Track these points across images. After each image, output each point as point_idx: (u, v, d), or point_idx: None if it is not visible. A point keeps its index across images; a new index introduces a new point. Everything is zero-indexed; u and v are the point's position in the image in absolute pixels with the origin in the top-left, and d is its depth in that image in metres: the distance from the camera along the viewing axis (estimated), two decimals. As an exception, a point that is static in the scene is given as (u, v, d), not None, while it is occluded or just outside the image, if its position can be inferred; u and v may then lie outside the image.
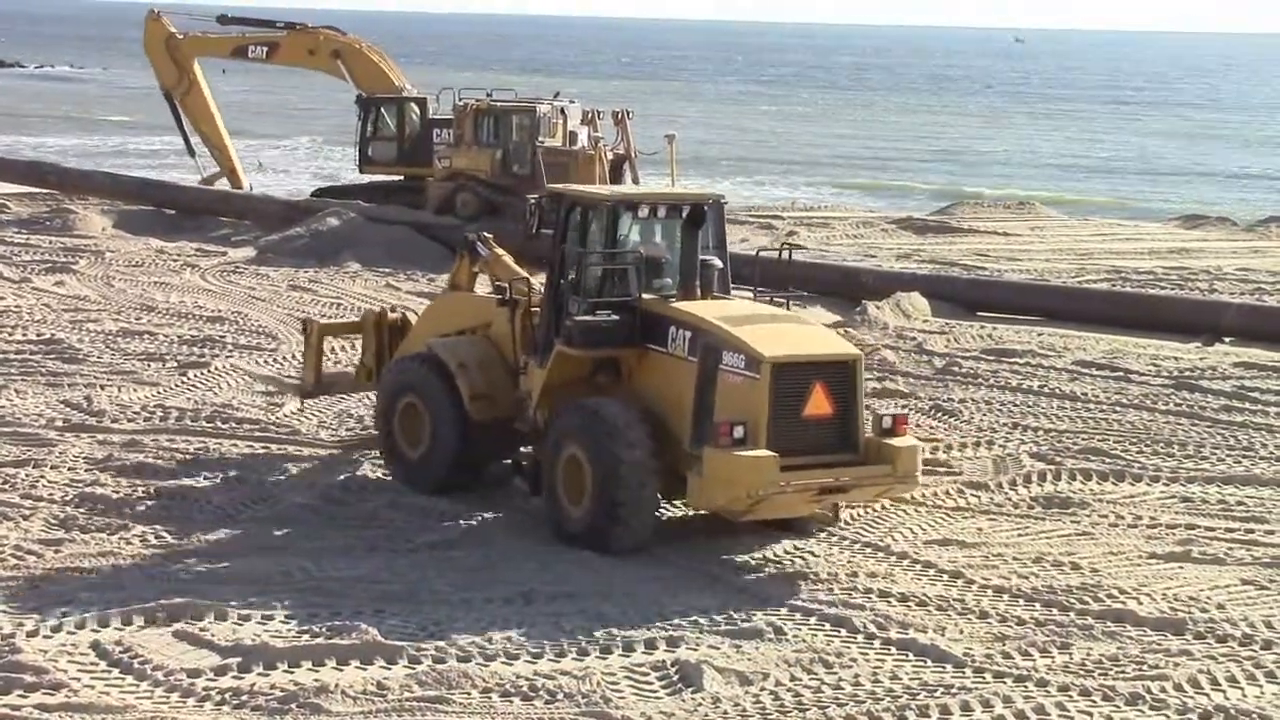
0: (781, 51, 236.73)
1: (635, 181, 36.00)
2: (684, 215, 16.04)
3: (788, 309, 16.46)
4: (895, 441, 15.24)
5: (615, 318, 15.72)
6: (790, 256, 16.79)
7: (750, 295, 16.76)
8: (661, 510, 16.38)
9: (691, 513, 16.38)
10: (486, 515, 16.39)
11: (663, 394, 15.49)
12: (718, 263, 16.11)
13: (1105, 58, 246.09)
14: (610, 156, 36.46)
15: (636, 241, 16.24)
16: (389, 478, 17.39)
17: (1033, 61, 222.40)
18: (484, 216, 34.19)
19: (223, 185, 42.08)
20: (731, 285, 16.43)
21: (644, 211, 16.12)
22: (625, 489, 15.00)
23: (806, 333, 15.77)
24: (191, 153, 42.90)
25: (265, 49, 41.79)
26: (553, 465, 15.60)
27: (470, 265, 18.27)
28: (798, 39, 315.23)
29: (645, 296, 15.86)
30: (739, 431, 14.59)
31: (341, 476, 17.58)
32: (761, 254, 17.33)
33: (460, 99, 37.68)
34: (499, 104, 37.47)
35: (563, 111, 37.44)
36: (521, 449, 16.68)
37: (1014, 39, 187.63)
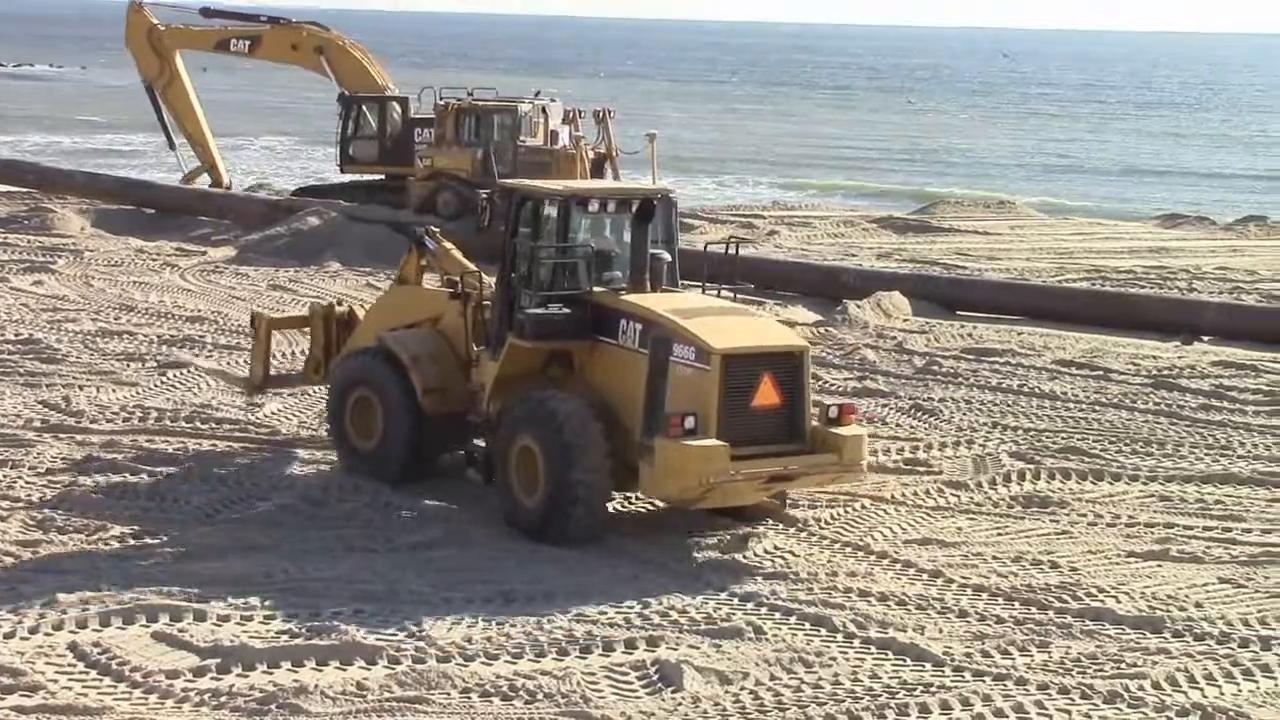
0: (776, 52, 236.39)
1: (616, 179, 35.96)
2: (634, 210, 16.29)
3: (734, 301, 16.73)
4: (841, 431, 15.58)
5: (567, 310, 16.01)
6: (736, 251, 17.07)
7: (699, 289, 16.98)
8: (623, 504, 16.46)
9: (661, 508, 16.41)
10: (466, 515, 16.36)
11: (614, 385, 15.75)
12: (667, 256, 16.43)
13: (1091, 58, 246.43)
14: (591, 155, 36.46)
15: (587, 236, 16.49)
16: (394, 487, 17.17)
17: (1015, 61, 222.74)
18: (465, 216, 34.14)
19: (204, 181, 42.02)
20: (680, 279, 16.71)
21: (594, 206, 16.41)
22: (578, 479, 15.21)
23: (755, 325, 16.14)
24: (171, 145, 42.74)
25: (248, 43, 41.67)
26: (506, 456, 15.81)
27: (419, 260, 18.38)
28: (793, 40, 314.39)
29: (596, 289, 16.13)
30: (690, 422, 14.86)
31: (321, 476, 17.56)
32: (709, 248, 17.57)
33: (441, 98, 37.64)
34: (480, 103, 37.44)
35: (544, 110, 37.43)
36: (474, 440, 16.79)
37: (1002, 54, 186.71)
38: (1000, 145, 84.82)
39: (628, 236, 16.42)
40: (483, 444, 16.63)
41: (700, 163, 66.15)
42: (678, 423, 14.84)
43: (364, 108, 39.63)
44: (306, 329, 19.66)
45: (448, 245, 18.09)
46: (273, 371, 19.95)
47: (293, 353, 22.61)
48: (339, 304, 19.79)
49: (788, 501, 16.62)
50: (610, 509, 16.18)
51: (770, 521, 16.36)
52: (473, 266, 17.53)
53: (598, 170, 36.35)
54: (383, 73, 41.13)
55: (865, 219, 43.06)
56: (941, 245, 38.44)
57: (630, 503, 16.84)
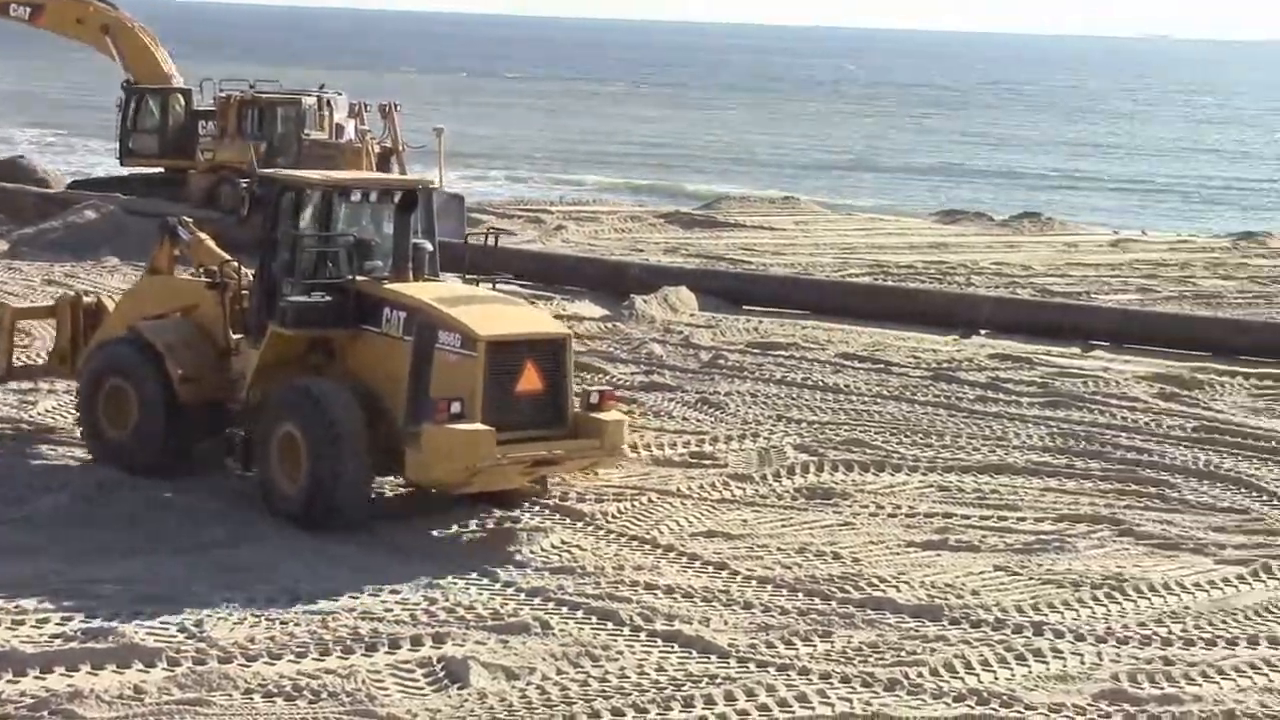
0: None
1: (402, 173, 35.72)
2: (396, 200, 16.58)
3: (493, 290, 17.07)
4: (602, 416, 16.04)
5: (329, 299, 16.22)
6: (496, 242, 17.58)
7: (459, 279, 17.34)
8: (420, 500, 16.37)
9: (429, 500, 16.34)
10: (248, 513, 16.09)
11: (377, 372, 15.97)
12: (428, 246, 16.78)
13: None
14: (378, 149, 36.17)
15: (349, 226, 16.68)
16: (148, 477, 16.97)
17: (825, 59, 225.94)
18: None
19: None
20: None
21: (356, 196, 16.71)
22: (340, 465, 15.37)
23: (518, 313, 16.53)
24: None
25: (29, 9, 40.28)
26: (267, 443, 15.87)
27: (171, 250, 18.27)
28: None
29: (358, 278, 16.33)
30: (456, 407, 15.12)
31: (97, 475, 17.12)
32: (468, 240, 18.07)
33: (221, 90, 37.00)
34: (263, 95, 36.88)
35: (329, 104, 37.03)
36: (231, 429, 16.72)
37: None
38: (787, 142, 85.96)
39: (389, 227, 16.66)
40: (241, 432, 16.55)
41: (490, 158, 65.98)
42: (444, 408, 15.11)
43: (147, 98, 38.77)
44: (53, 319, 19.26)
45: (202, 235, 18.13)
46: (18, 363, 19.51)
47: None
48: (86, 294, 19.52)
49: (548, 486, 16.85)
50: (393, 506, 16.10)
51: (558, 516, 16.40)
52: (227, 256, 17.48)
53: (384, 164, 36.05)
54: (168, 61, 40.20)
55: (652, 214, 43.39)
56: (728, 240, 38.86)
57: (426, 500, 16.72)
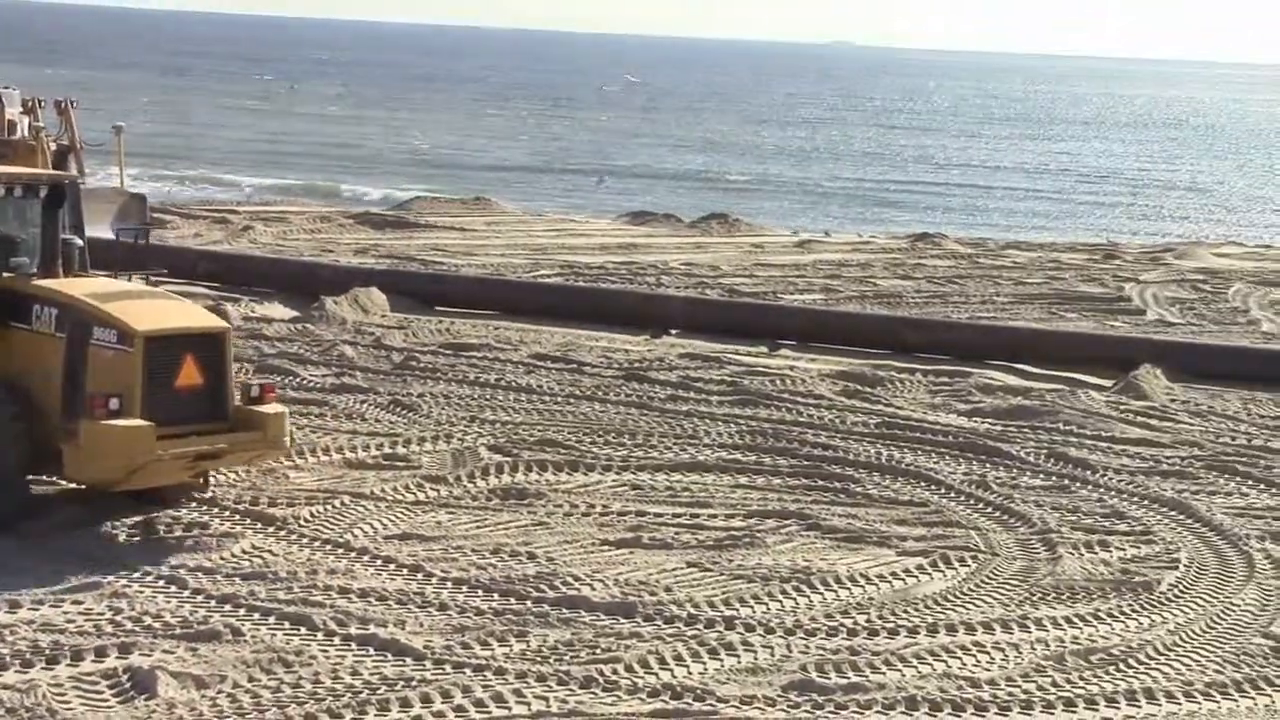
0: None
1: (80, 173, 34.63)
2: (42, 195, 16.35)
3: (146, 285, 17.03)
4: (264, 409, 16.06)
5: None
6: (147, 239, 17.79)
7: (110, 275, 17.14)
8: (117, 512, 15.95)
9: (106, 505, 15.92)
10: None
11: (27, 370, 15.69)
12: (78, 242, 16.59)
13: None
14: (54, 147, 34.93)
15: None
16: None
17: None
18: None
19: None
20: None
21: None
22: None
23: (175, 307, 16.38)
24: None
25: None
26: None
27: None
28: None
29: (4, 275, 16.06)
30: (114, 403, 14.99)
31: None
32: (120, 236, 18.20)
33: (-120, 83, 35.33)
34: (-72, 89, 35.29)
35: None
36: None
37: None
38: (485, 144, 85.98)
39: (37, 222, 16.35)
40: None
41: (176, 158, 64.52)
42: (102, 404, 14.94)
43: None
44: None
45: None
46: None
47: None
48: None
49: (210, 481, 16.73)
50: (70, 512, 15.67)
51: (249, 520, 16.13)
52: None
53: (61, 162, 34.80)
54: None
55: (343, 215, 42.93)
56: (419, 241, 38.68)
57: (107, 505, 16.24)
